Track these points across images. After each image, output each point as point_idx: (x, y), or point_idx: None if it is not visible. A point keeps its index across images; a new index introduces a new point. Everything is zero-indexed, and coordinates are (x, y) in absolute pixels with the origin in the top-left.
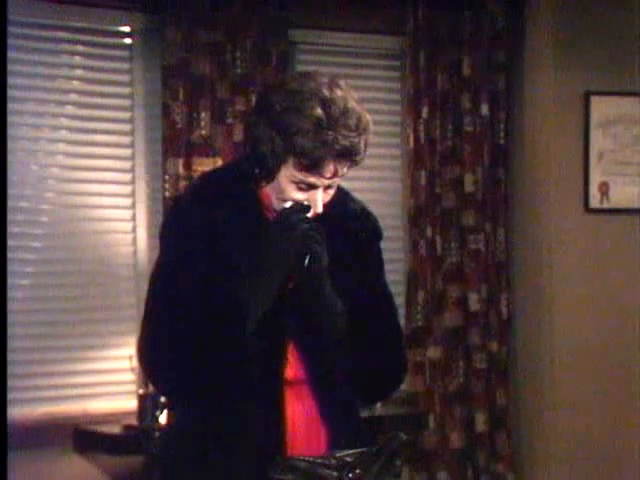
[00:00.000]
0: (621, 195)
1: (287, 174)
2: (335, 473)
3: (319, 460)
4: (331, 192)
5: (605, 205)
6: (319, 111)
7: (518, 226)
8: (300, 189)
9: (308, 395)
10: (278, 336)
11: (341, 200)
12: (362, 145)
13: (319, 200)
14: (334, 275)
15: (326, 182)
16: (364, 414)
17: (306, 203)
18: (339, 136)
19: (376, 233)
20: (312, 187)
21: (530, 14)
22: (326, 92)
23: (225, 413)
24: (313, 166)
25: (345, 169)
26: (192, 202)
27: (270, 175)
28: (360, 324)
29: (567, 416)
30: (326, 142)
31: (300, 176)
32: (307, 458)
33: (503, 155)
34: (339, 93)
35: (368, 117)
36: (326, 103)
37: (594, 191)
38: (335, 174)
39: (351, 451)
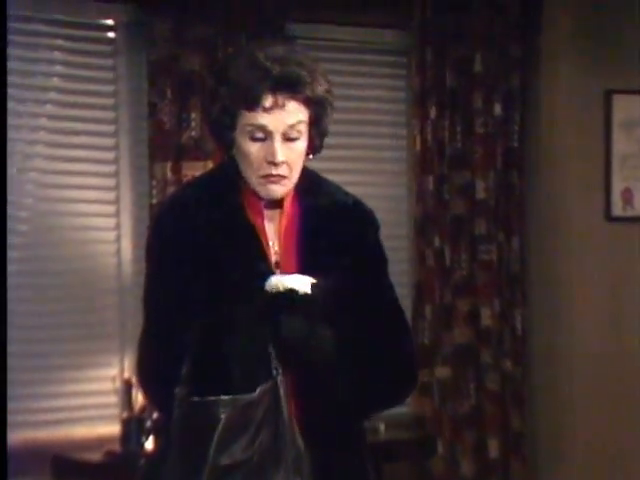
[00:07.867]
0: None
1: (241, 127)
2: None
3: None
4: (295, 147)
5: (628, 213)
6: (259, 53)
7: (534, 235)
8: (255, 139)
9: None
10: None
11: (331, 192)
12: (308, 79)
13: (278, 149)
14: (331, 272)
15: (278, 122)
16: (366, 439)
17: (287, 287)
18: (275, 65)
19: (372, 223)
20: (267, 134)
21: (547, 6)
22: (271, 47)
23: None
24: (250, 98)
25: (291, 104)
26: (172, 214)
27: (229, 138)
28: (362, 324)
29: (587, 441)
30: (261, 70)
31: (249, 120)
32: None
33: (517, 158)
34: (287, 50)
35: (322, 68)
36: (268, 51)
37: (616, 198)
38: (276, 104)
39: None
